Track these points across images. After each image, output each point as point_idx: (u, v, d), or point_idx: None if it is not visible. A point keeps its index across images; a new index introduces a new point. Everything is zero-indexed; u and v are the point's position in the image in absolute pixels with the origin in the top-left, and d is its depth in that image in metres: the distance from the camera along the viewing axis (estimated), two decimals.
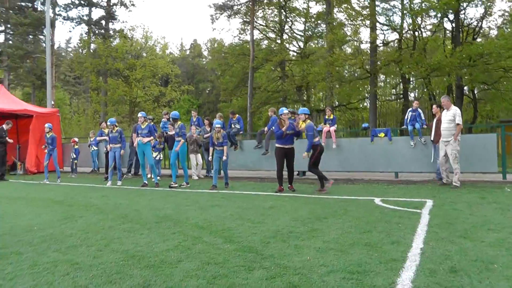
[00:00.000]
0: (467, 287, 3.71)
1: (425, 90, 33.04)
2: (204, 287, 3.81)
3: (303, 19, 33.64)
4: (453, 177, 10.60)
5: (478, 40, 26.65)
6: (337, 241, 5.32)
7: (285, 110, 10.79)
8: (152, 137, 12.78)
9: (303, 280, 3.93)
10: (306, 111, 10.92)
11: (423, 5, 23.88)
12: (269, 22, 35.07)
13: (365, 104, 36.14)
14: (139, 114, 13.01)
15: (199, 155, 14.89)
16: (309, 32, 33.88)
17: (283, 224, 6.40)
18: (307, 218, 6.85)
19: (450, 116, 10.64)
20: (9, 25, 38.91)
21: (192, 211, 7.90)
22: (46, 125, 15.33)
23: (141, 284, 3.93)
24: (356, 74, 31.22)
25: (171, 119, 13.13)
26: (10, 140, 16.58)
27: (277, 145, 10.77)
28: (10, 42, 39.45)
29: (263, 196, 9.92)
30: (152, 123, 13.47)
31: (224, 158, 11.49)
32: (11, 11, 38.18)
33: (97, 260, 4.78)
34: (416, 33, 28.07)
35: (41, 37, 40.78)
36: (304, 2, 34.53)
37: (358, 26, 26.83)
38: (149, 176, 14.01)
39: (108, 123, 13.92)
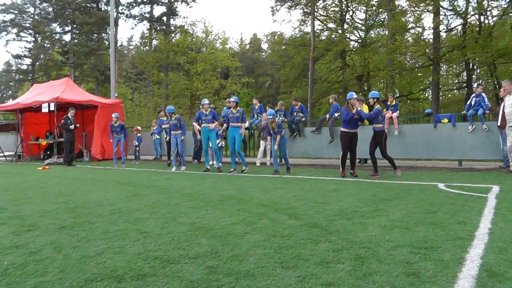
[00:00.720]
0: None
1: (489, 80, 31.62)
2: (271, 256, 3.82)
3: (364, 8, 33.07)
4: None
5: None
6: (402, 220, 5.21)
7: (354, 95, 10.63)
8: (217, 122, 12.92)
9: (369, 253, 3.87)
10: (375, 95, 10.60)
11: None
12: (330, 12, 34.70)
13: (426, 94, 35.17)
14: (203, 101, 13.14)
15: (268, 142, 14.90)
16: (371, 20, 33.24)
17: (347, 205, 6.34)
18: (371, 200, 6.75)
19: None
20: (75, 25, 40.57)
21: (256, 192, 7.95)
22: (113, 115, 15.87)
23: (209, 252, 3.99)
24: (418, 64, 30.37)
25: (167, 113, 13.57)
26: (77, 125, 17.25)
27: (342, 129, 10.62)
28: (76, 40, 41.08)
29: (326, 180, 9.84)
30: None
31: (276, 147, 11.52)
32: (77, 12, 39.78)
33: (165, 230, 4.90)
34: (482, 18, 26.89)
35: (105, 35, 42.28)
36: None
37: (420, 12, 26.05)
38: (211, 162, 14.22)
39: (167, 112, 14.22)
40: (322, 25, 35.42)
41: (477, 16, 26.66)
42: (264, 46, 67.43)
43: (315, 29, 33.35)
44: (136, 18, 42.30)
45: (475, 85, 37.70)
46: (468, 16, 26.20)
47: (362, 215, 5.56)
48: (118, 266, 3.59)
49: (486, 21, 26.97)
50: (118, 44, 45.96)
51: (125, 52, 62.49)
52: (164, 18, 42.61)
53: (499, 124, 11.14)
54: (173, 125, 13.92)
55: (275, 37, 45.44)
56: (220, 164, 13.62)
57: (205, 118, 12.83)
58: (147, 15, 42.63)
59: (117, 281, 3.26)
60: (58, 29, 43.13)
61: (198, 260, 3.73)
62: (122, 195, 7.93)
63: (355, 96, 10.61)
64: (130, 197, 7.63)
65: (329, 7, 34.50)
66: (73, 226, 5.20)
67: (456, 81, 39.05)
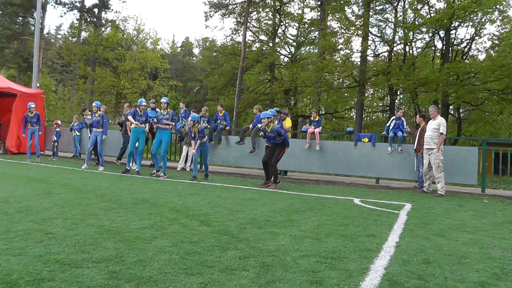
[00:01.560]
0: (439, 276, 3.78)
1: (411, 106, 33.34)
2: (176, 262, 3.83)
3: (297, 24, 33.80)
4: (437, 185, 10.66)
5: (466, 61, 27.01)
6: (313, 230, 5.38)
7: (268, 114, 10.93)
8: (147, 124, 12.68)
9: (276, 261, 3.97)
10: (273, 113, 11.07)
11: (416, 20, 24.17)
12: (262, 24, 35.17)
13: (351, 114, 36.44)
14: (163, 100, 12.66)
15: (190, 148, 14.82)
16: (302, 37, 34.04)
17: (260, 214, 6.46)
18: (285, 210, 6.91)
19: (435, 125, 10.79)
20: None
21: (171, 197, 7.92)
22: (30, 104, 15.11)
23: (113, 256, 3.93)
24: (345, 84, 31.47)
25: (93, 106, 13.60)
26: None
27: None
28: None
29: (243, 189, 9.96)
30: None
31: (193, 151, 11.66)
32: None
33: (71, 231, 4.77)
34: (407, 48, 28.41)
35: (31, 19, 40.27)
36: (299, 8, 34.74)
37: (350, 35, 27.03)
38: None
39: (93, 105, 13.74)
40: (254, 36, 35.84)
41: (402, 45, 28.10)
42: (196, 51, 67.27)
43: (247, 40, 33.66)
44: (66, 6, 40.57)
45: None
46: (395, 45, 27.59)
47: (274, 224, 5.68)
48: (14, 270, 3.42)
49: (411, 51, 28.51)
50: (45, 31, 44.15)
51: (52, 41, 59.99)
52: (96, 10, 41.29)
53: (414, 147, 11.91)
54: (96, 122, 13.43)
55: (207, 43, 45.49)
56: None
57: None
58: (78, 4, 41.06)
59: (10, 286, 3.11)
60: None
61: (101, 265, 3.67)
62: (33, 192, 7.62)
63: (266, 117, 10.78)
64: (40, 195, 7.35)
65: (263, 19, 35.03)
66: None
67: (380, 104, 40.79)
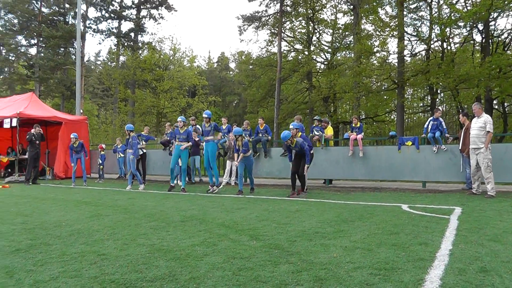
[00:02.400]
0: (499, 286, 3.60)
1: (452, 104, 32.48)
2: (229, 278, 3.81)
3: (331, 30, 33.63)
4: (487, 186, 10.21)
5: (509, 52, 26.09)
6: (363, 241, 5.26)
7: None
8: (190, 143, 12.92)
9: (329, 274, 3.90)
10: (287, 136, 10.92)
11: (452, 15, 23.60)
12: (296, 33, 35.13)
13: (392, 116, 35.83)
14: (179, 119, 13.03)
15: (234, 162, 14.92)
16: (337, 43, 33.82)
17: (309, 226, 6.37)
18: (333, 221, 6.80)
19: (481, 123, 10.34)
20: (41, 38, 39.88)
21: (218, 212, 7.94)
22: (72, 135, 15.58)
23: (167, 274, 3.96)
24: (384, 87, 30.96)
25: (127, 130, 14.10)
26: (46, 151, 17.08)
27: None
28: (42, 54, 40.41)
29: (289, 201, 9.89)
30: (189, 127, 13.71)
31: (236, 163, 11.83)
32: (43, 25, 39.17)
33: (123, 252, 4.84)
34: (445, 44, 27.71)
35: (72, 49, 41.72)
36: (332, 14, 34.66)
37: (385, 36, 26.65)
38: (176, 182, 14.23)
39: (127, 129, 14.15)
40: (289, 46, 35.86)
41: (440, 42, 27.48)
42: (232, 65, 67.82)
43: (282, 50, 33.75)
44: (104, 33, 41.92)
45: (439, 108, 38.78)
46: (432, 42, 26.94)
47: (324, 236, 5.59)
48: None
49: (449, 48, 27.82)
50: (85, 59, 45.47)
51: (92, 67, 61.80)
52: (132, 34, 42.33)
53: (460, 148, 11.53)
54: (129, 145, 14.04)
55: (242, 57, 45.77)
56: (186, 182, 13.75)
57: (179, 136, 12.77)
58: (114, 30, 42.32)
59: None
60: (24, 42, 42.20)
61: (155, 283, 3.69)
62: (83, 215, 7.80)
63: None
64: (90, 217, 7.51)
65: (296, 28, 34.97)
66: (29, 249, 5.07)
67: (421, 104, 39.95)
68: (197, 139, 14.66)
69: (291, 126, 11.11)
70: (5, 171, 20.47)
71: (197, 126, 15.43)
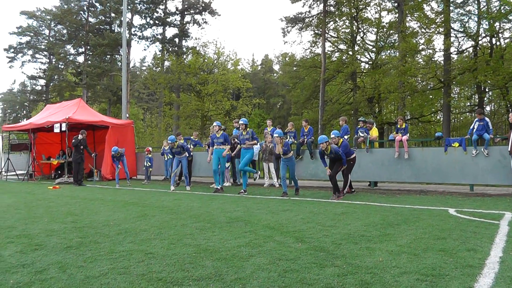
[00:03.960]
0: None
1: (501, 103, 31.32)
2: (275, 280, 3.82)
3: (375, 29, 33.11)
4: None
5: None
6: (410, 245, 5.17)
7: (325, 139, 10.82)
8: (229, 146, 13.18)
9: (375, 279, 3.85)
10: (324, 139, 10.79)
11: (502, 8, 22.78)
12: (340, 33, 34.75)
13: (438, 117, 34.96)
14: (214, 123, 13.40)
15: (271, 164, 14.96)
16: (381, 42, 33.22)
17: (355, 229, 6.32)
18: (379, 224, 6.71)
19: None
20: (88, 47, 41.16)
21: (263, 214, 7.96)
22: (113, 149, 16.23)
23: (213, 274, 4.01)
24: (429, 86, 30.24)
25: (168, 142, 14.62)
26: (93, 153, 17.77)
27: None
28: (89, 62, 41.62)
29: (335, 203, 9.82)
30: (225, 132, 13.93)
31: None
32: (90, 34, 40.41)
33: (170, 251, 4.92)
34: (494, 40, 26.75)
35: (118, 56, 42.81)
36: (376, 12, 33.84)
37: (431, 34, 26.04)
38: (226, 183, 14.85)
39: (169, 141, 14.56)
40: (333, 46, 35.53)
41: (488, 38, 26.58)
42: (276, 67, 67.80)
43: (326, 51, 33.47)
44: (149, 40, 42.79)
45: (487, 108, 37.54)
46: (480, 38, 26.06)
47: (369, 239, 5.54)
48: (122, 287, 3.60)
49: (498, 43, 26.88)
50: (131, 65, 46.54)
51: (137, 73, 63.08)
52: (176, 40, 42.98)
53: (509, 149, 11.08)
54: (178, 153, 14.37)
55: (286, 58, 45.71)
56: (227, 183, 13.99)
57: (216, 140, 13.09)
58: (159, 36, 43.12)
59: None
60: (72, 51, 43.76)
61: (202, 283, 3.74)
62: (130, 215, 7.99)
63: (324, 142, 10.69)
64: (137, 217, 7.68)
65: (340, 28, 34.61)
66: (79, 246, 5.25)
67: (468, 103, 38.81)
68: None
69: (332, 135, 11.19)
70: (56, 173, 21.21)
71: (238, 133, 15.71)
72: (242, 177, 13.05)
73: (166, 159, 17.95)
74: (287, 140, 12.08)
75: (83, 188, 15.36)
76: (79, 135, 17.11)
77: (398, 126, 13.87)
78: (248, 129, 12.96)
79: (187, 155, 14.52)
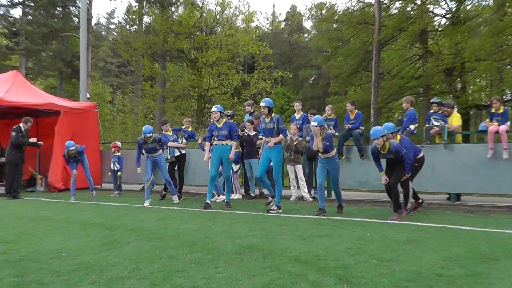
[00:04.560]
0: None
1: None
2: None
3: None
4: None
5: None
6: None
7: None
8: (237, 143, 13.18)
9: None
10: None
11: None
12: None
13: None
14: (214, 108, 13.35)
15: (299, 167, 14.88)
16: None
17: (427, 264, 6.27)
18: (465, 258, 6.64)
19: None
20: None
21: (290, 241, 7.95)
22: (68, 143, 15.94)
23: None
24: None
25: (145, 135, 14.09)
26: (40, 142, 17.49)
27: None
28: (30, 17, 41.51)
29: (396, 225, 9.80)
30: (232, 121, 13.83)
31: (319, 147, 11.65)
32: None
33: None
34: None
35: (73, 9, 42.88)
36: None
37: None
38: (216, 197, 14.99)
39: (147, 135, 14.26)
40: None
41: None
42: (307, 24, 67.83)
43: (382, 0, 33.33)
44: None
45: None
46: None
47: (451, 281, 5.47)
48: None
49: None
50: (93, 22, 46.54)
51: (103, 33, 63.51)
52: None
53: None
54: (150, 150, 14.41)
55: (323, 11, 45.50)
56: (237, 196, 14.07)
57: (217, 133, 13.11)
58: None
59: None
60: (3, 1, 43.76)
61: None
62: (92, 242, 7.98)
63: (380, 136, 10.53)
64: (103, 245, 7.68)
65: None
66: None
67: None
68: (252, 133, 14.75)
69: (384, 130, 10.80)
70: None
71: (256, 114, 15.54)
72: (263, 185, 12.94)
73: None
74: (329, 131, 11.90)
75: (20, 203, 15.46)
76: (21, 124, 16.99)
77: (493, 111, 13.69)
78: (273, 114, 12.55)
79: (170, 153, 14.60)
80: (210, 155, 13.42)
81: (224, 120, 13.27)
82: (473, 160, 13.50)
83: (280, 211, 11.96)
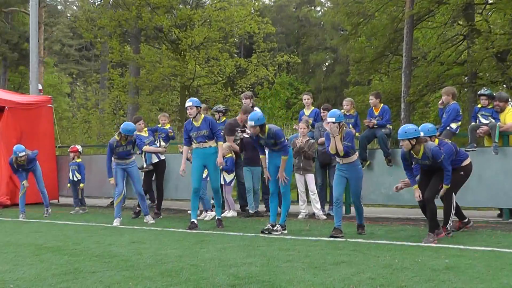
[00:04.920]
0: None
1: None
2: None
3: None
4: None
5: None
6: None
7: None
8: (224, 143, 13.21)
9: None
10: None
11: None
12: None
13: None
14: (188, 103, 13.37)
15: (310, 176, 14.89)
16: None
17: None
18: None
19: None
20: None
21: (299, 270, 7.96)
22: (16, 149, 15.85)
23: None
24: None
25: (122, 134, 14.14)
26: None
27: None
28: None
29: (431, 249, 9.82)
30: (224, 118, 13.88)
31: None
32: None
33: None
34: None
35: None
36: None
37: None
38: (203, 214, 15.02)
39: (122, 133, 14.32)
40: None
41: None
42: None
43: None
44: None
45: None
46: None
47: None
48: None
49: None
50: None
51: (59, 8, 63.56)
52: None
53: None
54: (123, 155, 14.54)
55: None
56: (231, 213, 14.20)
57: (196, 133, 13.15)
58: None
59: None
60: None
61: None
62: (47, 271, 7.99)
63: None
64: (61, 275, 7.69)
65: None
66: None
67: None
68: (246, 135, 14.77)
69: (420, 131, 10.81)
70: None
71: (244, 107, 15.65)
72: (270, 203, 12.87)
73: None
74: (348, 129, 11.87)
75: None
76: None
77: None
78: (267, 128, 12.09)
79: (147, 159, 14.86)
80: (184, 164, 13.48)
81: (203, 116, 13.26)
82: None
83: (285, 231, 12.03)
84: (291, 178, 13.62)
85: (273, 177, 12.39)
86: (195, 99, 13.61)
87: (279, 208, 12.70)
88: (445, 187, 10.63)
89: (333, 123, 11.15)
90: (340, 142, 11.15)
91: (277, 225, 12.12)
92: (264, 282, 7.13)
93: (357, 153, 11.71)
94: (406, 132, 10.31)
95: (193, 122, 13.08)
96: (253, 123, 11.91)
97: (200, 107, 13.40)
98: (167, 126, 17.63)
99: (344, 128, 11.45)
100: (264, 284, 6.99)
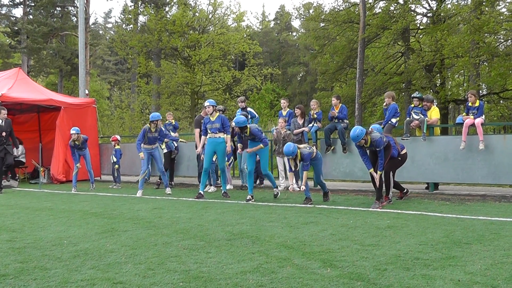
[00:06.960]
0: None
1: None
2: None
3: None
4: None
5: None
6: (485, 273, 5.11)
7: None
8: (229, 135, 13.41)
9: None
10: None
11: None
12: None
13: None
14: (207, 103, 13.48)
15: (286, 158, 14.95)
16: None
17: (406, 249, 6.32)
18: (441, 242, 6.69)
19: None
20: None
21: (278, 228, 8.00)
22: (73, 130, 15.90)
23: None
24: None
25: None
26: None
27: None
28: (31, 16, 41.16)
29: (378, 213, 9.84)
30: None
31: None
32: None
33: (147, 280, 4.93)
34: None
35: (72, 9, 42.47)
36: None
37: None
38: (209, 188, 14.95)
39: (151, 118, 14.68)
40: None
41: None
42: (295, 23, 67.64)
43: None
44: None
45: None
46: None
47: (427, 264, 5.53)
48: None
49: None
50: (91, 21, 46.37)
51: (100, 32, 63.23)
52: None
53: None
54: (153, 140, 14.60)
55: (310, 11, 45.33)
56: (229, 186, 14.33)
57: (211, 126, 13.21)
58: None
59: None
60: (5, 1, 43.39)
61: None
62: (91, 230, 8.02)
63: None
64: (102, 233, 7.72)
65: None
66: (19, 275, 5.24)
67: None
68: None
69: (371, 129, 10.90)
70: None
71: (249, 109, 15.73)
72: (247, 179, 13.11)
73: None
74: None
75: (24, 194, 15.42)
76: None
77: (470, 105, 13.74)
78: (248, 127, 12.54)
79: (172, 144, 15.22)
80: (201, 149, 13.75)
81: (217, 114, 13.40)
82: (450, 152, 13.52)
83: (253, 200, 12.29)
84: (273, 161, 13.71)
85: (252, 159, 12.76)
86: (212, 100, 13.81)
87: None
88: (379, 173, 10.61)
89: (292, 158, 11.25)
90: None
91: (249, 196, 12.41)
92: (252, 237, 7.17)
93: (314, 148, 11.76)
94: (358, 136, 10.27)
95: (210, 117, 13.25)
96: (233, 124, 12.79)
97: (215, 106, 13.56)
98: (173, 122, 18.27)
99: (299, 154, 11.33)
100: (253, 239, 7.01)
